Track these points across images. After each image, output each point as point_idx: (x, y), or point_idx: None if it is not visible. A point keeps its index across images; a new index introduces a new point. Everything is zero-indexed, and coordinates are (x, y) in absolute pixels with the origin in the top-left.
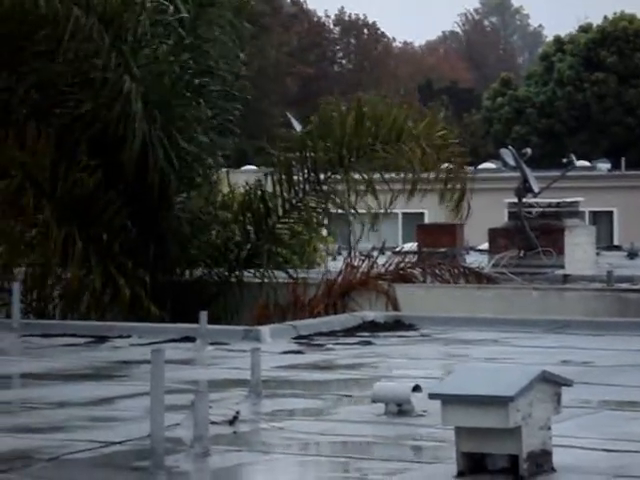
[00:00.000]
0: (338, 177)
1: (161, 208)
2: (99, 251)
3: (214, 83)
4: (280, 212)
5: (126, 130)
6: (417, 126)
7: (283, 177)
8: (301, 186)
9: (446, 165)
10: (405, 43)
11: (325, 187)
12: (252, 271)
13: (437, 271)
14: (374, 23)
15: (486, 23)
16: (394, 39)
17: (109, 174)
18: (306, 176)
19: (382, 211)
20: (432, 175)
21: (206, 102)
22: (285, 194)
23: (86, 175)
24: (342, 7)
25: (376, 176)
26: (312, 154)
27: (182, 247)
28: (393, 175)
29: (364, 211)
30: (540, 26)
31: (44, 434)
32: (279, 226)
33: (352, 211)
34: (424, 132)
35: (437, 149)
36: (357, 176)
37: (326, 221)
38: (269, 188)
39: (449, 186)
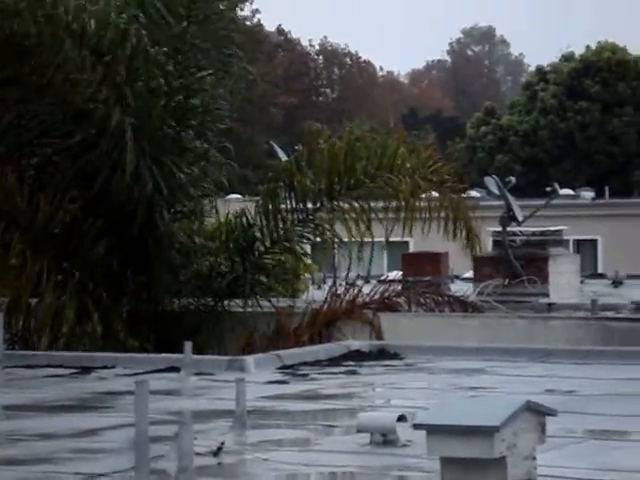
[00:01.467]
0: (326, 206)
1: (147, 238)
2: (74, 284)
3: (201, 114)
4: (267, 243)
5: (116, 161)
6: (410, 159)
7: (269, 207)
8: (288, 216)
9: (436, 195)
10: (389, 72)
11: (312, 217)
12: (237, 300)
13: (422, 299)
14: (356, 52)
15: (470, 53)
16: (381, 68)
17: (89, 205)
18: (294, 206)
19: (368, 240)
20: (419, 204)
21: (192, 131)
22: (272, 224)
23: (64, 207)
24: (325, 37)
25: (363, 205)
26: (300, 184)
27: (169, 277)
28: (380, 204)
29: (349, 240)
30: (521, 55)
31: (29, 466)
32: (266, 256)
33: (337, 240)
34: (419, 165)
35: (433, 183)
36: (345, 205)
37: (309, 250)
38: (255, 217)
39: (449, 215)
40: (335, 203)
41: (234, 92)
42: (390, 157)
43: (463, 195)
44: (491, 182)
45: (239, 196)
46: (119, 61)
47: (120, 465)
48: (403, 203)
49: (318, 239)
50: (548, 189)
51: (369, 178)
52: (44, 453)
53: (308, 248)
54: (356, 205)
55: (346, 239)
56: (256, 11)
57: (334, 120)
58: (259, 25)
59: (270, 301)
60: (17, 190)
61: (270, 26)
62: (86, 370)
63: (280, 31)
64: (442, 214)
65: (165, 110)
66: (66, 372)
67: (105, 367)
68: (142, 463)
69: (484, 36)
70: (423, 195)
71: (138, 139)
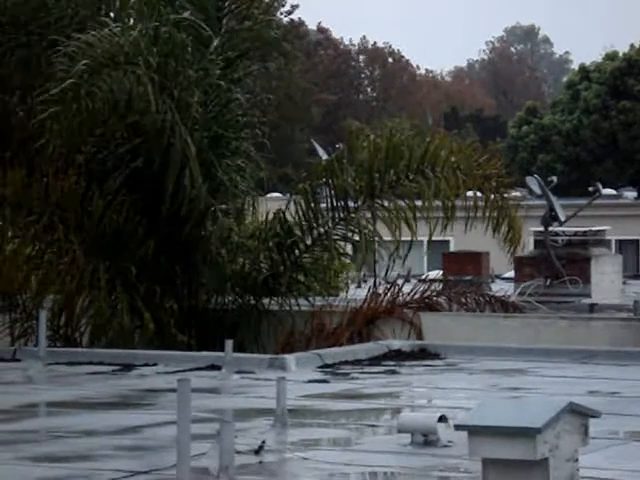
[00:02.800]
0: (367, 205)
1: (194, 237)
2: (126, 283)
3: (241, 111)
4: (308, 241)
5: (169, 165)
6: (455, 154)
7: (310, 205)
8: (329, 214)
9: (478, 193)
10: (429, 71)
11: (352, 216)
12: (277, 299)
13: (463, 299)
14: (398, 51)
15: (512, 51)
16: (418, 67)
17: (140, 207)
18: (334, 204)
19: (409, 239)
20: (463, 202)
21: (231, 129)
22: (312, 223)
23: (116, 209)
24: (364, 36)
25: (404, 203)
26: (341, 182)
27: (213, 275)
28: (421, 202)
29: (390, 239)
30: (566, 53)
31: (70, 463)
32: (306, 255)
33: (377, 239)
34: (462, 161)
35: (476, 180)
36: (386, 203)
37: (350, 249)
38: (295, 216)
39: (494, 214)
40: (376, 201)
41: (274, 89)
42: (432, 154)
43: (507, 193)
44: (533, 182)
45: (279, 194)
46: (174, 74)
47: (161, 463)
48: (445, 201)
49: (358, 238)
50: (590, 189)
51: (411, 175)
52: (85, 450)
53: (348, 247)
54: (397, 203)
55: (387, 238)
56: (296, 6)
57: (374, 119)
58: (300, 23)
59: (309, 300)
60: (75, 192)
61: (310, 24)
62: (127, 367)
63: (320, 29)
64: (486, 213)
65: (206, 107)
66: (107, 369)
67: (146, 364)
68: (183, 461)
69: (527, 35)
70: (468, 193)
71: (194, 143)
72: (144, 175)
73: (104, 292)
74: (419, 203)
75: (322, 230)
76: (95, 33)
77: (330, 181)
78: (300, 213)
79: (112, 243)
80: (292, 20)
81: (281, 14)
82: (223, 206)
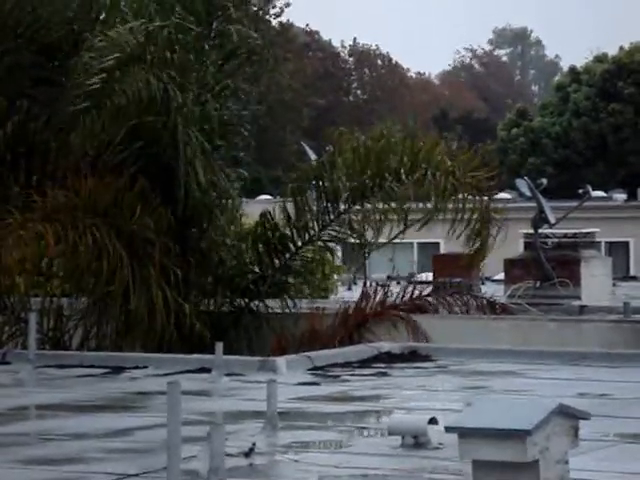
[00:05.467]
0: (357, 208)
1: (193, 238)
2: (160, 283)
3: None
4: (298, 243)
5: (175, 166)
6: (452, 159)
7: (299, 207)
8: (319, 216)
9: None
10: (419, 74)
11: (343, 217)
12: (267, 302)
13: (452, 301)
14: (387, 53)
15: (502, 53)
16: (408, 69)
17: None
18: (325, 206)
19: (398, 241)
20: (454, 205)
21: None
22: (302, 224)
23: (159, 212)
24: (355, 38)
25: (392, 205)
26: (332, 184)
27: (205, 277)
28: (412, 205)
29: (381, 240)
30: (557, 57)
31: (60, 466)
32: (296, 257)
33: (367, 241)
34: (458, 166)
35: (468, 186)
36: (376, 205)
37: (340, 251)
38: (285, 218)
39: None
40: (366, 204)
41: (264, 92)
42: (425, 156)
43: (492, 198)
44: (523, 184)
45: (269, 197)
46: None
47: (152, 465)
48: (434, 204)
49: (349, 240)
50: (580, 191)
51: (404, 175)
52: (75, 453)
53: (339, 249)
54: (388, 205)
55: (377, 240)
56: (287, 5)
57: (365, 121)
58: (290, 25)
59: (298, 303)
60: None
61: (298, 24)
62: (117, 370)
63: (308, 32)
64: (474, 216)
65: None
66: (98, 372)
67: (136, 367)
68: (174, 464)
69: (517, 37)
70: (458, 196)
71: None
72: (151, 176)
73: (144, 293)
74: (410, 205)
75: (312, 232)
76: (119, 29)
77: (320, 183)
78: (290, 215)
79: (129, 245)
80: (281, 23)
81: (270, 16)
82: (217, 210)
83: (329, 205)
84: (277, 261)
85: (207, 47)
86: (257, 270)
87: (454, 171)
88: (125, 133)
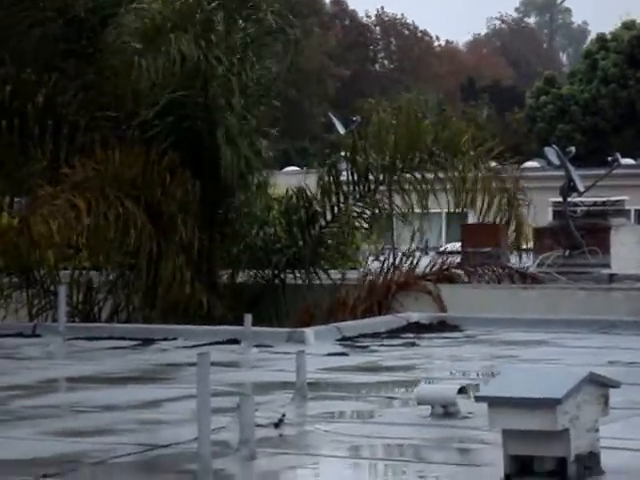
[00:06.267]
0: (387, 180)
1: (224, 209)
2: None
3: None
4: (329, 217)
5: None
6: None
7: (330, 181)
8: (349, 189)
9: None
10: (447, 42)
11: (372, 190)
12: (296, 273)
13: (481, 271)
14: (413, 22)
15: (530, 20)
16: (437, 38)
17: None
18: (355, 179)
19: (426, 211)
20: (479, 174)
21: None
22: (333, 198)
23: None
24: (382, 7)
25: (422, 177)
26: (362, 158)
27: (235, 249)
28: (440, 175)
29: (408, 211)
30: (584, 23)
31: (91, 437)
32: (326, 230)
33: (395, 212)
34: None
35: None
36: (405, 176)
37: (369, 222)
38: (316, 191)
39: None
40: (398, 176)
41: (291, 63)
42: (452, 136)
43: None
44: (551, 152)
45: (296, 168)
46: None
47: (182, 436)
48: (462, 174)
49: (377, 211)
50: (609, 159)
51: (436, 153)
52: (106, 424)
53: (367, 221)
54: (417, 177)
55: (405, 210)
56: None
57: (391, 91)
58: None
59: (328, 274)
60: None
61: None
62: (147, 342)
63: (335, 1)
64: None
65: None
66: (127, 344)
67: (166, 339)
68: (204, 435)
69: (545, 4)
70: (483, 169)
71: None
72: (181, 150)
73: (173, 265)
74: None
75: (342, 206)
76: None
77: (350, 157)
78: (321, 189)
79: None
80: None
81: None
82: (242, 182)
83: (359, 178)
84: (307, 233)
85: (239, 20)
86: (286, 243)
87: (479, 146)
88: (160, 107)
